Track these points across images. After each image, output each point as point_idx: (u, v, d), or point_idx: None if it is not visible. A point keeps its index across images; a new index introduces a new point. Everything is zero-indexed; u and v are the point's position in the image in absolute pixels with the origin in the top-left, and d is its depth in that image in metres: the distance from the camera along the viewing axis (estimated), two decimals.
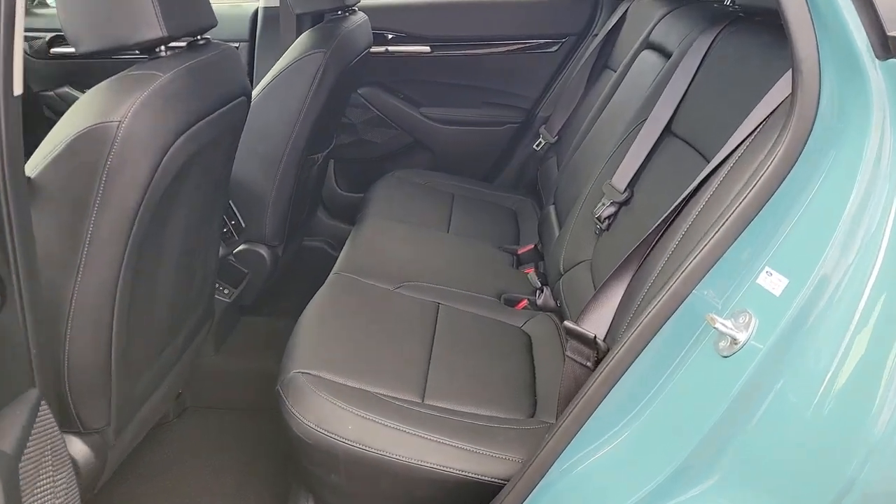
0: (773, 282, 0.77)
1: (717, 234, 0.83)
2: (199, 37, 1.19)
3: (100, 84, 1.00)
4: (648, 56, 1.57)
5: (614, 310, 1.02)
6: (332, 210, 2.53)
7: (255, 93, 1.72)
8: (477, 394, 1.22)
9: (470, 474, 1.04)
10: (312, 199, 2.20)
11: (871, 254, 0.68)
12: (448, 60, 2.33)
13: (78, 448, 1.09)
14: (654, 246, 1.00)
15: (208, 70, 1.14)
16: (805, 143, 0.78)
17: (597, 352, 1.02)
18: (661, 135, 1.30)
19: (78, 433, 1.10)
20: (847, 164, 0.71)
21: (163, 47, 1.07)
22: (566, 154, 2.00)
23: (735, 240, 0.83)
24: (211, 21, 1.18)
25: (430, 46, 2.31)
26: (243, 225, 1.79)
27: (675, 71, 1.30)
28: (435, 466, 1.04)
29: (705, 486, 0.76)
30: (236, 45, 2.36)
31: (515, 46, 2.30)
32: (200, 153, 1.15)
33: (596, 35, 2.20)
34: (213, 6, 2.48)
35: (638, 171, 1.31)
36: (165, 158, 1.00)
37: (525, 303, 1.59)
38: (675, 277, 0.86)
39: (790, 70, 0.83)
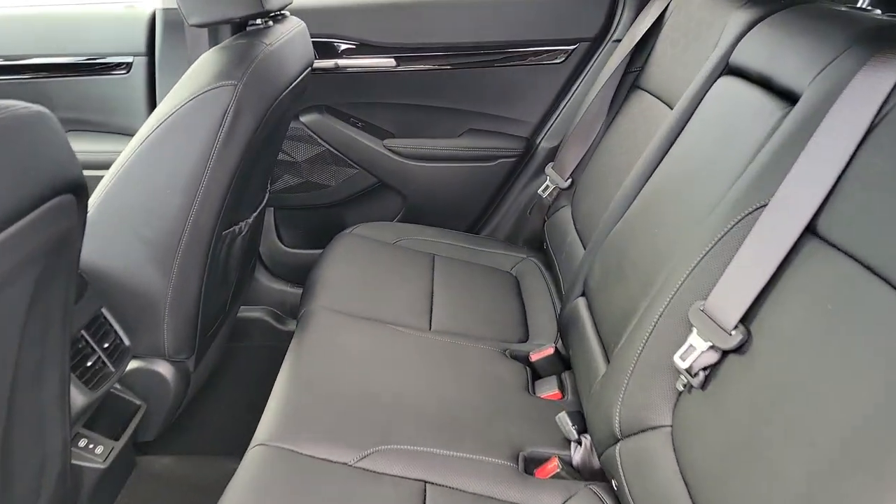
0: None
1: None
2: None
3: None
4: (734, 88, 1.02)
5: None
6: (276, 270, 1.95)
7: (135, 142, 1.14)
8: None
9: None
10: (244, 266, 1.62)
11: None
12: (419, 77, 1.76)
13: None
14: None
15: None
16: None
17: None
18: (801, 239, 0.76)
19: None
20: None
21: None
22: (587, 208, 1.46)
23: None
24: None
25: (396, 59, 1.74)
26: (126, 343, 1.21)
27: (818, 131, 0.76)
28: None
29: None
30: (129, 59, 1.76)
31: (509, 57, 1.74)
32: None
33: (618, 41, 1.65)
34: (98, 10, 1.89)
35: (758, 297, 0.78)
36: None
37: (555, 465, 1.05)
38: None
39: None
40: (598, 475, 1.05)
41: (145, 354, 1.27)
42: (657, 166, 1.13)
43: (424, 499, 0.95)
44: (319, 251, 1.92)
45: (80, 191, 0.76)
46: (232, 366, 1.84)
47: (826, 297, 0.72)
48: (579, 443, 1.07)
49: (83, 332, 1.11)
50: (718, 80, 1.06)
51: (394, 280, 1.50)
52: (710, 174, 0.93)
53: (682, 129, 1.09)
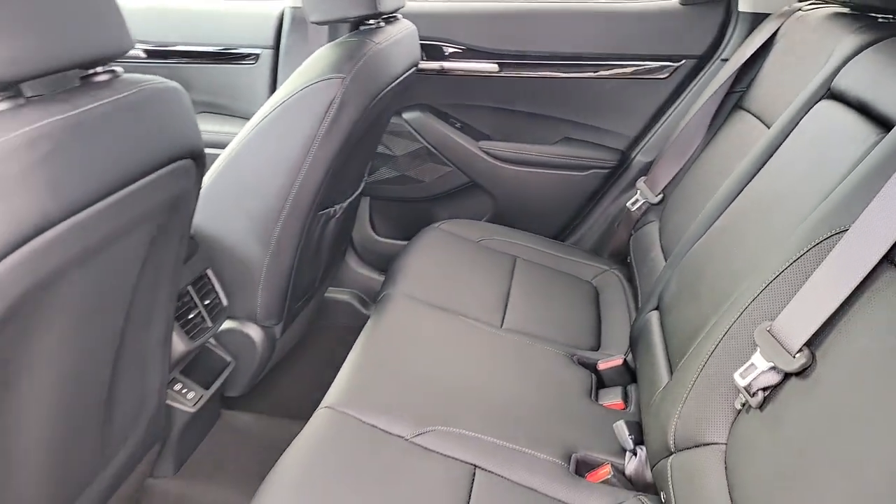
0: None
1: None
2: (95, 69, 0.72)
3: None
4: (833, 112, 0.99)
5: None
6: (365, 257, 2.06)
7: (250, 125, 1.26)
8: None
9: None
10: (335, 248, 1.72)
11: None
12: (520, 83, 1.80)
13: None
14: None
15: (100, 127, 0.67)
16: None
17: None
18: (877, 268, 0.74)
19: None
20: None
21: None
22: (674, 224, 1.45)
23: None
24: (119, 43, 0.71)
25: (499, 64, 1.79)
26: (224, 303, 1.33)
27: None
28: None
29: None
30: (258, 51, 1.92)
31: (612, 70, 1.75)
32: (90, 253, 0.69)
33: (726, 60, 1.62)
34: (234, 4, 2.07)
35: (827, 322, 0.76)
36: None
37: (607, 471, 1.06)
38: None
39: None
40: (649, 488, 1.05)
41: (239, 316, 1.39)
42: (746, 186, 1.11)
43: (472, 482, 0.99)
44: (408, 242, 2.02)
45: (198, 158, 0.87)
46: (314, 341, 1.95)
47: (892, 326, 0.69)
48: (634, 453, 1.08)
49: (189, 287, 1.24)
50: (819, 104, 1.04)
51: (473, 276, 1.55)
52: (798, 197, 0.92)
53: (776, 150, 1.07)
